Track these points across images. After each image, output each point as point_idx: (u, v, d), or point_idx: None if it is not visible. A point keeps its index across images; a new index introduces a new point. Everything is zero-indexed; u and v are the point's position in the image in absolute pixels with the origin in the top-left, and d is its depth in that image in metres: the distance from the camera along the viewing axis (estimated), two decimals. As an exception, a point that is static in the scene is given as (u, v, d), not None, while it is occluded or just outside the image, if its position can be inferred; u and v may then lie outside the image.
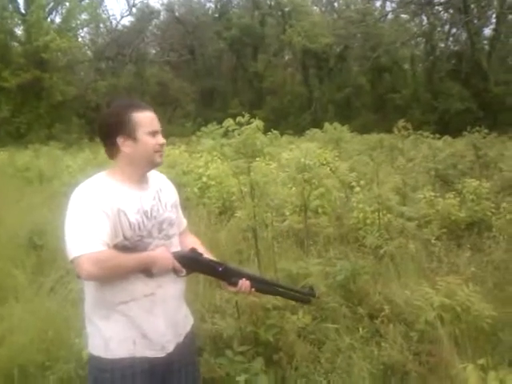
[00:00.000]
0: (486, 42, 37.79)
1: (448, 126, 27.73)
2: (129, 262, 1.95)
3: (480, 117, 31.09)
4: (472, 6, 34.45)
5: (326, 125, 16.08)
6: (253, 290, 2.21)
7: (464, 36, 36.98)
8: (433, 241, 5.95)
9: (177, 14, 43.26)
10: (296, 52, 39.97)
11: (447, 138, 14.60)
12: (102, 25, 41.71)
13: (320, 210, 7.01)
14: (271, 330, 3.30)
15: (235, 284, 2.17)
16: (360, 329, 3.87)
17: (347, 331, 3.86)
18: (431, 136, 14.30)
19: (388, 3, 43.43)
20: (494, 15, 37.39)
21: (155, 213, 2.08)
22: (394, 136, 12.45)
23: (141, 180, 2.10)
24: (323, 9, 46.06)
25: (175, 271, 2.08)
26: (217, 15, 43.36)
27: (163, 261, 2.02)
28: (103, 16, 41.01)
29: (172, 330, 2.13)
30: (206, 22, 42.83)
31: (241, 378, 2.94)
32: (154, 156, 2.06)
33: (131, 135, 2.01)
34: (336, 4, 45.58)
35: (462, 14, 33.42)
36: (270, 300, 3.25)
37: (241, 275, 2.19)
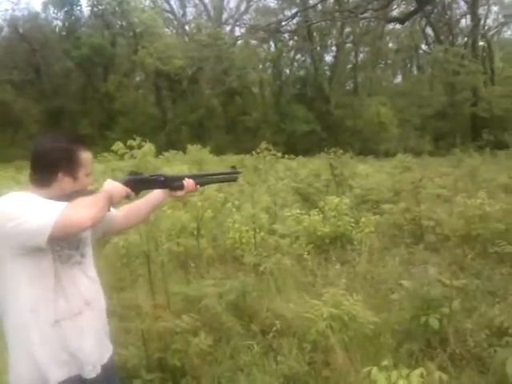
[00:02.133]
0: (327, 68, 40.82)
1: (295, 147, 29.31)
2: (98, 199, 1.96)
3: (324, 138, 33.50)
4: (315, 34, 37.06)
5: (189, 146, 16.22)
6: (197, 186, 2.41)
7: (308, 62, 39.57)
8: (305, 256, 6.32)
9: (21, 30, 40.71)
10: (148, 73, 39.80)
11: (300, 158, 15.48)
12: None
13: (195, 232, 7.10)
14: (177, 354, 3.31)
15: (180, 187, 2.36)
16: (255, 345, 4.01)
17: (243, 349, 3.98)
18: (286, 156, 15.07)
19: (237, 28, 45.34)
20: (333, 44, 40.64)
21: None
22: (255, 157, 13.00)
23: None
24: (174, 31, 46.53)
25: (127, 196, 2.17)
26: (64, 33, 41.56)
27: (117, 190, 2.08)
28: None
29: (99, 349, 2.13)
30: (53, 40, 40.90)
31: (154, 406, 2.93)
32: None
33: (72, 174, 2.02)
34: (187, 27, 46.31)
35: (306, 41, 35.77)
36: (179, 324, 3.26)
37: (180, 178, 2.37)
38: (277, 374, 3.57)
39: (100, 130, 37.98)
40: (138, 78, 45.58)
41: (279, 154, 15.09)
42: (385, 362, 2.79)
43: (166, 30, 45.21)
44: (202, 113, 38.14)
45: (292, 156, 15.64)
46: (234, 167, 2.60)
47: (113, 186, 2.08)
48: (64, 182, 2.01)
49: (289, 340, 3.99)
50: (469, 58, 37.84)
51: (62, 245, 2.00)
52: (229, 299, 4.31)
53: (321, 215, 7.75)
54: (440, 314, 3.82)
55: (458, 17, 45.40)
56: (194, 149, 15.61)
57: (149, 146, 4.06)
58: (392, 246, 7.06)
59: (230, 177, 2.59)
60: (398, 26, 43.92)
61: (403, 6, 39.17)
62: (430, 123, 35.85)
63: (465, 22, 45.08)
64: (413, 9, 26.25)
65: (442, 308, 3.86)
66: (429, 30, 45.71)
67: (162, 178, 2.34)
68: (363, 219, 7.43)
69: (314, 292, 5.16)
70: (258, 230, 6.68)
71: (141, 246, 3.93)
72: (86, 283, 2.09)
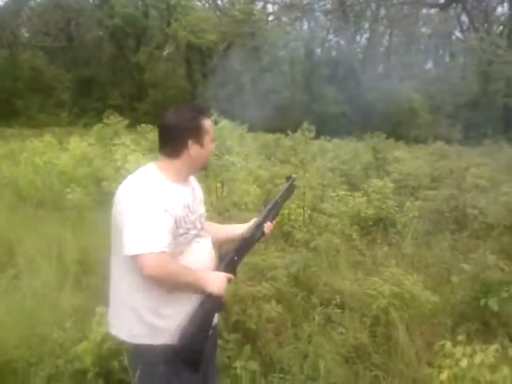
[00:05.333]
0: (359, 50, 40.46)
1: (324, 127, 29.21)
2: (188, 275, 2.14)
3: (354, 120, 33.37)
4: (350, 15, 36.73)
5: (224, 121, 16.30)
6: (274, 222, 2.58)
7: (341, 43, 39.31)
8: (354, 236, 6.49)
9: (56, -3, 40.94)
10: (180, 46, 39.84)
11: (336, 140, 15.58)
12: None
13: (243, 207, 7.31)
14: (252, 318, 3.53)
15: (263, 235, 2.51)
16: (316, 316, 4.21)
17: (305, 319, 4.18)
18: (322, 138, 15.21)
19: (270, 5, 44.99)
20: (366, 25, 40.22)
21: (195, 207, 2.29)
22: (291, 137, 13.16)
23: (187, 179, 2.31)
24: (207, 5, 46.30)
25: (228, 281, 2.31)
26: (98, 2, 41.69)
27: (217, 283, 2.22)
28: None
29: None
30: (87, 9, 41.07)
31: (237, 364, 3.15)
32: (207, 160, 2.34)
33: (199, 141, 2.23)
34: (220, 2, 46.10)
35: (340, 21, 35.47)
36: (261, 290, 3.47)
37: (259, 226, 2.49)
38: (342, 343, 3.77)
39: (130, 101, 38.33)
40: (168, 51, 45.61)
41: (312, 135, 15.29)
42: (459, 337, 2.97)
43: (198, 3, 44.97)
44: (232, 89, 38.10)
45: (327, 137, 15.83)
46: (289, 177, 2.72)
47: (215, 279, 2.23)
48: (193, 149, 2.21)
49: (350, 314, 4.18)
50: (504, 48, 37.14)
51: (188, 227, 2.22)
52: (291, 271, 4.51)
53: (364, 197, 7.90)
54: (499, 298, 3.98)
55: (495, 4, 44.49)
56: (229, 125, 15.75)
57: (225, 123, 4.24)
58: (435, 232, 7.18)
59: (291, 189, 2.69)
60: (432, 10, 43.33)
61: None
62: (461, 112, 35.42)
63: (501, 10, 44.27)
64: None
65: (501, 292, 4.02)
66: (464, 17, 44.96)
67: (246, 242, 2.44)
68: (408, 203, 7.56)
69: (365, 271, 5.36)
70: (305, 208, 6.87)
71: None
72: (205, 252, 2.33)
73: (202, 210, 2.39)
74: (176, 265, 2.09)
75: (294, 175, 2.68)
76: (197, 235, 2.27)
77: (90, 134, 13.63)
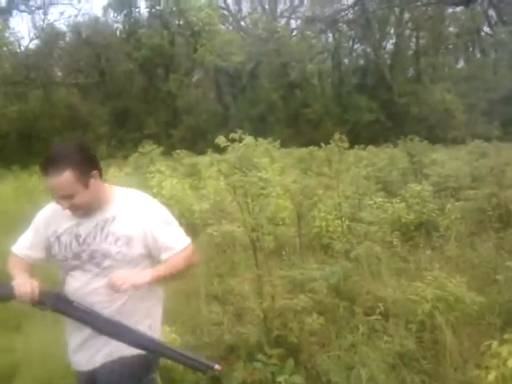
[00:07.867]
0: (387, 55, 40.14)
1: (359, 136, 28.95)
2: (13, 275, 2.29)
3: (388, 126, 33.05)
4: (373, 22, 36.55)
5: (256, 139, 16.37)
6: None
7: (368, 51, 39.10)
8: (395, 242, 6.40)
9: (84, 35, 42.24)
10: (208, 70, 40.41)
11: (371, 147, 15.44)
12: (5, 48, 39.77)
13: (280, 222, 7.33)
14: (293, 332, 3.51)
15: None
16: (360, 326, 4.15)
17: (348, 330, 4.13)
18: (356, 146, 15.07)
19: (293, 21, 45.31)
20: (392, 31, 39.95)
21: (89, 240, 2.21)
22: (324, 148, 13.05)
23: (85, 212, 2.21)
24: (230, 27, 46.88)
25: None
26: (125, 36, 42.77)
27: (20, 289, 2.14)
28: (10, 39, 39.17)
29: (86, 351, 2.27)
30: (115, 43, 42.16)
31: (281, 379, 3.13)
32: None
33: None
34: (243, 23, 46.61)
35: (365, 30, 35.33)
36: (298, 303, 3.46)
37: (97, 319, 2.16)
38: (388, 351, 3.70)
39: (166, 129, 38.93)
40: (197, 76, 46.28)
41: (346, 145, 15.19)
42: (505, 336, 2.88)
43: (222, 26, 45.53)
44: (263, 107, 38.31)
45: (362, 146, 15.70)
46: (225, 359, 2.35)
47: (19, 286, 2.15)
48: None
49: (394, 321, 4.11)
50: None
51: (67, 255, 2.26)
52: (331, 282, 4.47)
53: (403, 203, 7.80)
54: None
55: (523, -5, 43.52)
56: (253, 141, 15.83)
57: (249, 139, 4.27)
58: (479, 232, 7.01)
59: (201, 365, 2.13)
60: (458, 8, 42.74)
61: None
62: (497, 108, 34.58)
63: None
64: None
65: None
66: (491, 12, 44.11)
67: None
68: (449, 205, 7.43)
69: (409, 277, 5.26)
70: (343, 219, 6.82)
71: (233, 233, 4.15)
72: (78, 287, 2.24)
73: (103, 246, 2.20)
74: (10, 264, 2.35)
75: (217, 367, 2.12)
76: (78, 267, 2.24)
77: (127, 164, 13.90)
